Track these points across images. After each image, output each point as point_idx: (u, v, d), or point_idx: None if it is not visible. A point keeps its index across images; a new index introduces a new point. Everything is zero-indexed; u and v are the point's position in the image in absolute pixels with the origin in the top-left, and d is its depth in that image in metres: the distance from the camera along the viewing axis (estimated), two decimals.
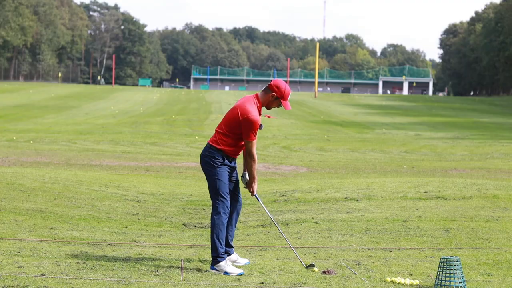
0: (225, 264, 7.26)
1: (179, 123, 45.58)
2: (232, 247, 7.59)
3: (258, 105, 7.41)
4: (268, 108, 7.53)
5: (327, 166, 22.50)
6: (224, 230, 7.35)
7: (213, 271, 7.26)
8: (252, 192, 7.62)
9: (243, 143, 7.41)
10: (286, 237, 8.16)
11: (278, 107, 7.57)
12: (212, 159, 7.38)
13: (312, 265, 7.34)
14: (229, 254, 7.52)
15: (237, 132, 7.34)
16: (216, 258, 7.28)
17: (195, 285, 6.60)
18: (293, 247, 7.79)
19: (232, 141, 7.37)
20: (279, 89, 7.41)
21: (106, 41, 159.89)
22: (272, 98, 7.43)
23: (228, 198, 7.42)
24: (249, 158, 7.43)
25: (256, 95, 7.48)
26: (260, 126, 7.36)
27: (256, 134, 7.34)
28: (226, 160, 7.40)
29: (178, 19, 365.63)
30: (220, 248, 7.29)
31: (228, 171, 7.43)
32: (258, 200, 7.79)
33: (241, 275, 7.15)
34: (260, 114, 7.42)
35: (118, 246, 8.56)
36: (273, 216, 7.35)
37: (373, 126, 48.65)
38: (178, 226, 10.51)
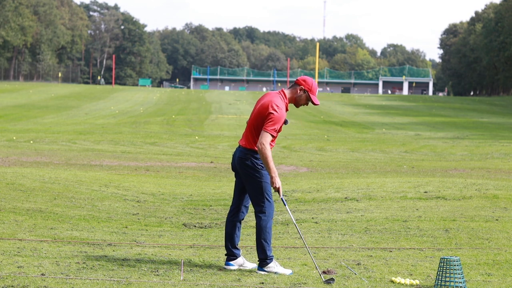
0: (275, 265, 7.23)
1: (179, 123, 45.59)
2: (239, 249, 7.55)
3: (286, 101, 7.31)
4: (297, 105, 7.41)
5: (327, 166, 22.49)
6: (271, 232, 7.26)
7: (262, 272, 7.22)
8: (277, 189, 7.13)
9: (276, 137, 7.25)
10: (306, 242, 7.95)
11: (306, 104, 7.41)
12: (254, 162, 7.21)
13: (332, 279, 6.83)
14: (236, 257, 7.46)
15: None
16: (265, 260, 7.23)
17: (195, 285, 6.60)
18: (313, 257, 7.47)
19: None
20: (306, 82, 7.35)
21: (106, 41, 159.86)
22: (301, 92, 7.34)
23: (272, 199, 7.32)
24: (259, 147, 7.05)
25: (282, 91, 7.36)
26: (286, 122, 7.25)
27: (276, 130, 7.13)
28: None
29: (178, 19, 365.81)
30: (268, 251, 7.21)
31: None
32: (284, 204, 7.34)
33: (291, 274, 7.15)
34: (287, 110, 7.29)
35: (118, 246, 8.56)
36: (294, 218, 7.30)
37: (373, 126, 48.65)
38: (178, 226, 10.51)
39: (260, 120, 7.17)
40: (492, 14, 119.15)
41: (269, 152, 7.04)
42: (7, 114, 51.44)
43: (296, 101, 7.38)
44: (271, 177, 7.09)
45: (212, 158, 24.41)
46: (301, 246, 8.78)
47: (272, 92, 7.41)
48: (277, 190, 7.16)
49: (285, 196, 13.41)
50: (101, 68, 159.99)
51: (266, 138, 7.05)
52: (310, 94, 7.33)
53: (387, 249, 8.62)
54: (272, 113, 7.09)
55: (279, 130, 7.25)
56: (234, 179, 7.53)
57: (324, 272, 7.19)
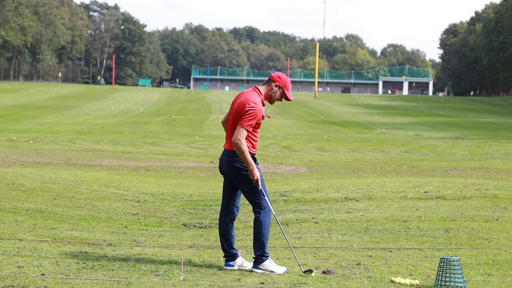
0: (270, 263, 7.28)
1: (179, 123, 45.58)
2: (236, 249, 7.55)
3: (262, 97, 7.38)
4: (271, 101, 7.47)
5: (327, 166, 22.49)
6: (269, 228, 7.34)
7: (258, 270, 7.27)
8: (256, 180, 7.22)
9: (257, 132, 7.34)
10: (287, 238, 8.05)
11: (281, 100, 7.52)
12: (241, 163, 7.26)
13: (310, 271, 7.17)
14: (234, 258, 7.46)
15: None
16: (261, 257, 7.28)
17: (195, 285, 6.60)
18: (293, 248, 7.70)
19: (248, 137, 7.28)
20: (281, 79, 7.45)
21: (106, 41, 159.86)
22: (276, 88, 7.42)
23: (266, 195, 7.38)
24: (235, 142, 7.13)
25: (257, 88, 7.43)
26: (262, 117, 7.32)
27: (252, 126, 7.21)
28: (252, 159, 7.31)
29: (178, 19, 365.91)
30: (265, 247, 7.29)
31: (259, 169, 7.33)
32: (265, 195, 7.36)
33: (286, 272, 7.21)
34: (263, 105, 7.36)
35: (118, 246, 8.56)
36: (277, 216, 7.23)
37: (373, 126, 48.65)
38: (178, 226, 10.51)
39: (239, 119, 7.26)
40: (492, 14, 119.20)
41: (245, 147, 7.13)
42: (7, 114, 51.44)
43: (271, 97, 7.48)
44: (250, 170, 7.18)
45: (212, 158, 24.41)
46: (301, 246, 8.78)
47: (246, 90, 7.49)
48: (256, 181, 7.24)
49: (285, 196, 13.42)
50: (101, 68, 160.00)
51: (242, 134, 7.16)
52: (285, 90, 7.45)
53: (387, 249, 8.62)
54: (249, 109, 7.19)
55: (258, 127, 7.33)
56: None
57: (324, 272, 7.20)
